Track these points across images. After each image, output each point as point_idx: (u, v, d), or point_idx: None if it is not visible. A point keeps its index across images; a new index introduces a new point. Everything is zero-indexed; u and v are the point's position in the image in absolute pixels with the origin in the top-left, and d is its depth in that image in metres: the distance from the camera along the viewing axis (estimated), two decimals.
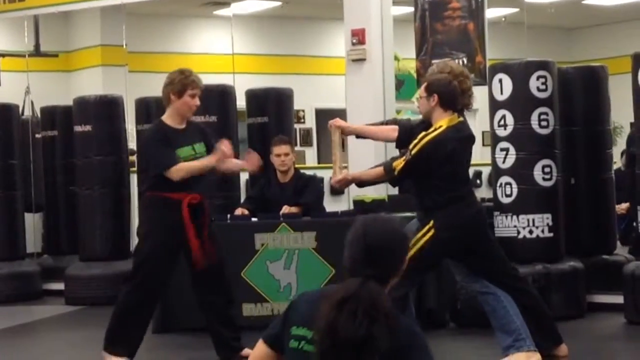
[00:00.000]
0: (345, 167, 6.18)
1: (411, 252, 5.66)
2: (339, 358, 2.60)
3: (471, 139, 5.88)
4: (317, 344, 2.63)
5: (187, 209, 6.05)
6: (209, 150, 6.25)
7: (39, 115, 11.29)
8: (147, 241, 6.16)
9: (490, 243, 5.90)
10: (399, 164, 5.73)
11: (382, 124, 6.51)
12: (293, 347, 2.77)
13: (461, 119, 5.80)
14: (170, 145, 6.11)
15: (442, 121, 5.71)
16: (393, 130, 6.17)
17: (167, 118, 6.22)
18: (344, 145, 6.18)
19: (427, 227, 5.69)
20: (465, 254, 5.82)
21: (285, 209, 7.69)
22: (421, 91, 5.88)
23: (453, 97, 5.76)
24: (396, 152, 6.53)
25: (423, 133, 5.71)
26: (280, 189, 8.04)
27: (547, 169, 7.41)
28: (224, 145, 6.16)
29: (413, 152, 5.67)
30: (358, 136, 6.36)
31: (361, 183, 6.18)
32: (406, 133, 6.05)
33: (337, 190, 8.55)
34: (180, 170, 6.05)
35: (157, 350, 6.73)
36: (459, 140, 5.76)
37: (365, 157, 7.97)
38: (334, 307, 2.63)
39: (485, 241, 5.85)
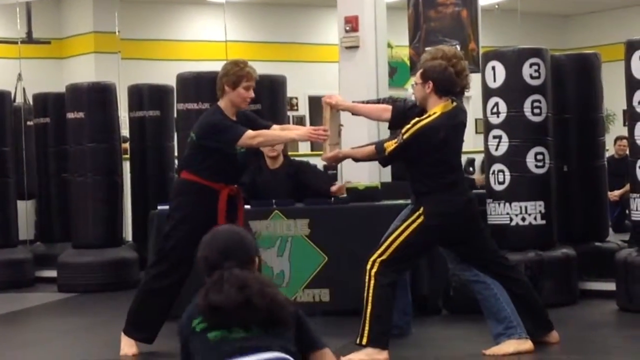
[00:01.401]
0: (337, 144, 6.16)
1: (401, 239, 5.70)
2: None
3: (464, 125, 5.89)
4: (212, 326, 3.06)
5: (225, 200, 5.99)
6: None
7: (31, 102, 11.27)
8: (178, 229, 6.04)
9: (480, 231, 5.90)
10: (390, 145, 5.73)
11: (378, 102, 6.51)
12: (203, 329, 3.10)
13: (455, 104, 5.79)
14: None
15: (437, 107, 5.71)
16: (386, 111, 6.17)
17: (224, 108, 6.10)
18: (337, 122, 6.17)
19: (416, 214, 5.71)
20: (455, 241, 5.83)
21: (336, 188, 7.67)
22: (417, 77, 5.88)
23: (448, 84, 5.76)
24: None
25: (417, 119, 5.71)
26: (271, 175, 8.03)
27: (539, 157, 7.42)
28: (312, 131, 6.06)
29: (405, 136, 5.67)
30: (354, 114, 6.36)
31: (354, 160, 6.20)
32: (400, 115, 6.05)
33: (329, 167, 8.54)
34: (259, 137, 5.97)
35: (167, 338, 6.69)
36: (452, 127, 5.76)
37: (358, 135, 7.97)
38: (206, 293, 3.08)
39: (476, 229, 5.85)
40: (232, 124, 6.00)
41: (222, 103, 6.13)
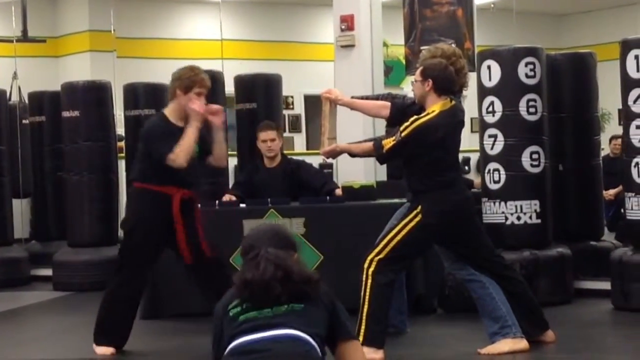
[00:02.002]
0: (334, 139, 6.17)
1: (398, 237, 5.70)
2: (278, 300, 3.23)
3: (462, 124, 5.89)
4: (246, 307, 3.24)
5: (178, 205, 6.02)
6: (202, 147, 6.15)
7: (26, 100, 11.26)
8: (134, 235, 6.12)
9: (477, 230, 5.90)
10: (388, 142, 5.73)
11: (376, 98, 6.51)
12: (236, 315, 3.26)
13: (454, 103, 5.80)
14: (174, 136, 5.99)
15: (435, 106, 5.72)
16: (385, 107, 6.16)
17: (170, 113, 6.13)
18: (335, 117, 6.18)
19: (414, 212, 5.71)
20: (452, 240, 5.83)
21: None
22: (416, 75, 5.88)
23: (448, 83, 5.76)
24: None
25: (415, 117, 5.72)
26: (268, 174, 8.03)
27: (535, 156, 7.42)
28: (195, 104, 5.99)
29: (403, 134, 5.67)
30: (353, 109, 6.36)
31: (350, 155, 6.20)
32: (398, 112, 6.05)
33: (326, 165, 8.57)
34: (179, 154, 5.89)
35: (145, 337, 6.73)
36: (451, 125, 5.76)
37: (353, 131, 7.98)
38: (242, 270, 3.27)
39: (472, 228, 5.86)
40: (164, 140, 5.92)
41: (168, 108, 6.15)
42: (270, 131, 8.02)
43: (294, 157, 8.43)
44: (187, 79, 6.07)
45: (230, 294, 3.31)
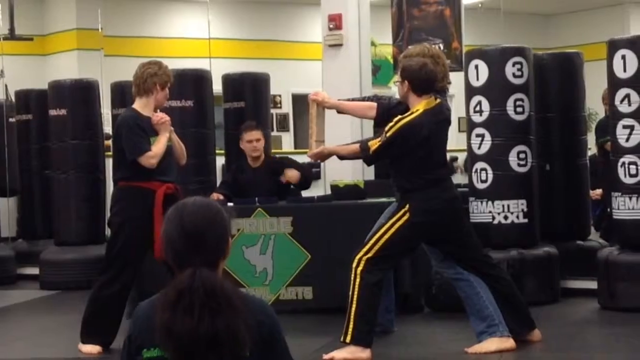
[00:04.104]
0: (322, 141, 6.19)
1: (386, 236, 5.71)
2: None
3: (448, 122, 5.90)
4: (167, 354, 2.39)
5: (161, 199, 6.05)
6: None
7: (13, 98, 11.21)
8: (120, 234, 6.16)
9: (464, 229, 5.92)
10: (374, 144, 5.75)
11: (363, 99, 6.52)
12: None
13: (439, 101, 5.80)
14: (147, 134, 6.12)
15: (419, 105, 5.73)
16: (371, 108, 6.18)
17: (141, 107, 6.21)
18: (323, 119, 6.19)
19: (402, 211, 5.71)
20: (440, 238, 5.84)
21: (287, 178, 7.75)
22: (397, 76, 5.90)
23: (425, 82, 5.75)
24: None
25: (399, 117, 5.73)
26: (253, 174, 8.06)
27: (522, 155, 7.44)
28: (154, 117, 6.17)
29: (388, 134, 5.69)
30: (339, 111, 6.38)
31: (339, 157, 6.22)
32: (385, 112, 6.07)
33: (313, 163, 8.58)
34: (152, 156, 6.07)
35: None
36: (435, 124, 5.77)
37: (341, 131, 7.98)
38: (167, 308, 2.38)
39: (460, 227, 5.87)
40: (140, 139, 6.09)
41: (139, 103, 6.23)
42: (255, 131, 8.06)
43: (276, 155, 8.44)
44: (164, 75, 6.20)
45: (142, 332, 2.55)
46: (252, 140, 8.03)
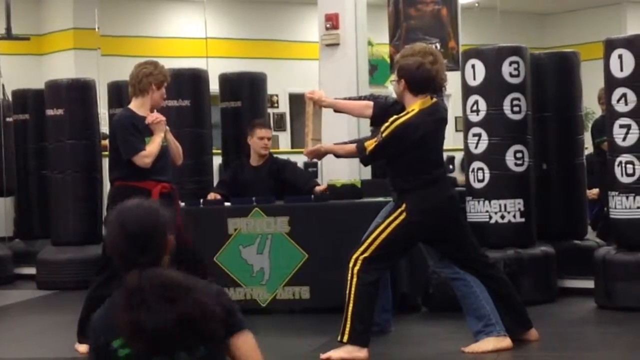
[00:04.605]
0: (319, 140, 6.19)
1: (383, 236, 5.71)
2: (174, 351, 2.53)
3: (444, 121, 5.90)
4: (140, 354, 2.54)
5: (157, 197, 6.04)
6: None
7: (10, 98, 11.21)
8: None
9: (461, 228, 5.92)
10: (371, 144, 5.75)
11: (359, 98, 6.52)
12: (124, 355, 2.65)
13: (435, 100, 5.80)
14: (141, 134, 6.12)
15: (415, 104, 5.72)
16: (368, 107, 6.18)
17: (137, 107, 6.21)
18: (319, 118, 6.19)
19: (398, 211, 5.71)
20: (436, 238, 5.84)
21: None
22: (394, 75, 5.90)
23: (422, 82, 5.74)
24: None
25: (395, 116, 5.73)
26: (254, 172, 8.04)
27: (519, 155, 7.44)
28: (149, 116, 6.18)
29: (384, 134, 5.69)
30: (336, 110, 6.38)
31: (335, 156, 6.22)
32: (381, 111, 6.07)
33: (310, 164, 8.57)
34: (146, 156, 6.07)
35: None
36: (431, 123, 5.76)
37: (337, 130, 7.98)
38: (125, 309, 2.55)
39: (457, 226, 5.87)
40: (134, 136, 6.09)
41: (135, 103, 6.23)
42: (268, 129, 8.10)
43: (280, 157, 8.42)
44: (160, 74, 6.20)
45: (107, 324, 2.66)
46: (263, 138, 8.00)
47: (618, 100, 7.14)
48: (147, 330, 2.49)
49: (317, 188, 7.75)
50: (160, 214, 2.79)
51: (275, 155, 8.34)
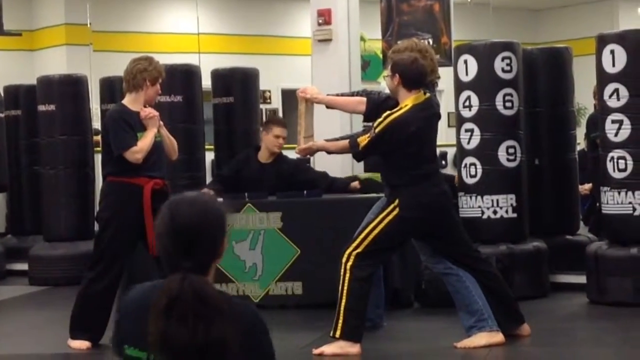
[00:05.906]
0: (311, 137, 6.18)
1: (376, 231, 5.71)
2: None
3: (437, 116, 5.90)
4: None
5: (149, 194, 6.04)
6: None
7: (1, 94, 11.17)
8: (108, 229, 6.15)
9: (454, 224, 5.92)
10: (364, 140, 5.75)
11: (352, 94, 6.52)
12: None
13: (428, 96, 5.80)
14: (133, 129, 6.10)
15: (408, 100, 5.73)
16: (361, 103, 6.18)
17: (130, 103, 6.20)
18: (312, 115, 6.19)
19: (391, 206, 5.72)
20: (429, 233, 5.85)
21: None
22: (387, 70, 5.90)
23: (416, 77, 5.75)
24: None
25: (388, 112, 5.73)
26: (261, 168, 7.87)
27: (511, 150, 7.45)
28: (142, 111, 6.16)
29: (377, 130, 5.69)
30: (328, 106, 6.37)
31: (327, 152, 6.23)
32: (375, 107, 6.07)
33: (303, 159, 8.50)
34: (138, 151, 6.05)
35: None
36: (424, 119, 5.77)
37: (330, 126, 7.97)
38: (160, 316, 2.28)
39: (449, 222, 5.88)
40: (125, 131, 6.08)
41: (129, 99, 6.21)
42: (284, 129, 7.89)
43: (289, 157, 8.20)
44: (155, 70, 6.19)
45: (128, 322, 2.48)
46: (279, 136, 7.86)
47: (610, 96, 7.15)
48: (175, 346, 2.27)
49: (353, 184, 7.70)
50: (219, 213, 2.45)
51: (286, 156, 8.15)
